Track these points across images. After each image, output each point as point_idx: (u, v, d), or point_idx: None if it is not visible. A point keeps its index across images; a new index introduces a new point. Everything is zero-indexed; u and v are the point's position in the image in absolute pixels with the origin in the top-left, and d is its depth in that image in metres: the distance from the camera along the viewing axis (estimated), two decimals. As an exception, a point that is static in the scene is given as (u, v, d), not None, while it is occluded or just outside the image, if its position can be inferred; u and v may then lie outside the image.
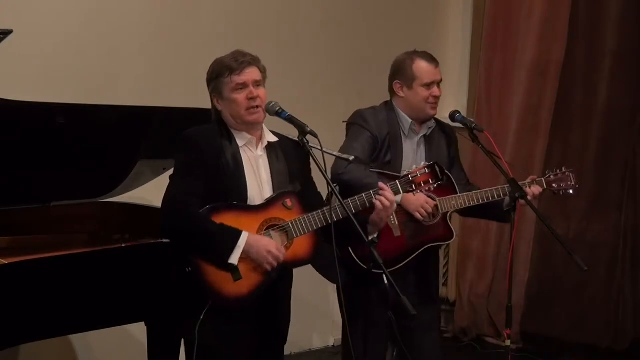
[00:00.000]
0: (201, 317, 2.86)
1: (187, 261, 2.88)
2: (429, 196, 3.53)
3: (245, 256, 2.86)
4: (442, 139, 3.72)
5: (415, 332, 3.63)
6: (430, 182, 3.00)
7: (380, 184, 3.00)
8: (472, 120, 3.71)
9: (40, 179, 3.59)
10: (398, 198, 3.44)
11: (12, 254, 3.42)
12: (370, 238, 3.05)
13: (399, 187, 3.01)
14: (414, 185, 3.02)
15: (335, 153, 3.22)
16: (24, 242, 3.71)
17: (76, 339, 4.50)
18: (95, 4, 4.45)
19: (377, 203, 2.98)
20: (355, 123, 3.64)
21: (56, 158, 3.56)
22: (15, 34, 3.15)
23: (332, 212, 2.92)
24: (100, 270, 3.41)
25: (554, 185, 3.70)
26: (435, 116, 3.69)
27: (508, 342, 3.67)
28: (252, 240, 2.85)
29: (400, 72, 3.62)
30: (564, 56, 5.48)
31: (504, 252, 5.64)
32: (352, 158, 3.31)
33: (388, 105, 3.69)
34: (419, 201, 3.50)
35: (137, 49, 4.59)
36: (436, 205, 3.56)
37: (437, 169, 2.99)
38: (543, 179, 3.70)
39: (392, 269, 3.51)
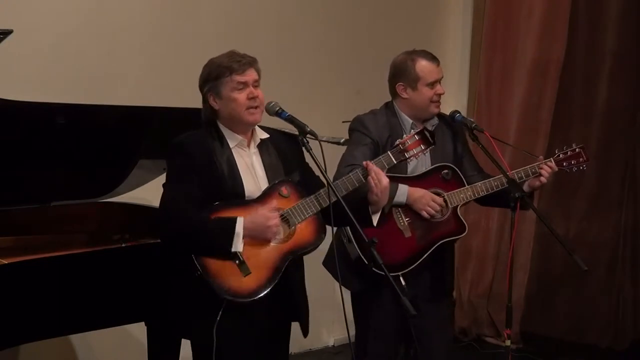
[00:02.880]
0: (218, 318, 2.85)
1: (194, 265, 2.86)
2: (436, 193, 3.53)
3: (251, 241, 2.86)
4: (446, 133, 3.70)
5: (427, 329, 3.63)
6: (422, 147, 3.00)
7: (365, 162, 3.00)
8: (472, 120, 3.70)
9: (41, 179, 3.59)
10: (402, 198, 3.44)
11: (12, 254, 3.42)
12: (374, 224, 3.06)
13: (391, 157, 3.00)
14: (406, 154, 3.02)
15: (324, 138, 3.23)
16: (24, 242, 3.71)
17: (76, 339, 4.50)
18: (95, 4, 4.45)
19: (370, 181, 2.97)
20: (356, 129, 3.62)
21: (56, 158, 3.56)
22: (15, 34, 3.15)
23: (330, 193, 2.92)
24: (100, 271, 3.41)
25: (564, 163, 3.65)
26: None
27: (508, 342, 3.67)
28: (248, 223, 2.85)
29: (402, 74, 3.60)
30: (564, 56, 5.49)
31: (504, 251, 5.65)
32: (342, 140, 3.33)
33: (389, 107, 3.68)
34: (425, 199, 3.50)
35: (137, 49, 4.59)
36: (445, 200, 3.55)
37: (427, 133, 2.99)
38: (552, 158, 3.64)
39: (406, 270, 3.52)
